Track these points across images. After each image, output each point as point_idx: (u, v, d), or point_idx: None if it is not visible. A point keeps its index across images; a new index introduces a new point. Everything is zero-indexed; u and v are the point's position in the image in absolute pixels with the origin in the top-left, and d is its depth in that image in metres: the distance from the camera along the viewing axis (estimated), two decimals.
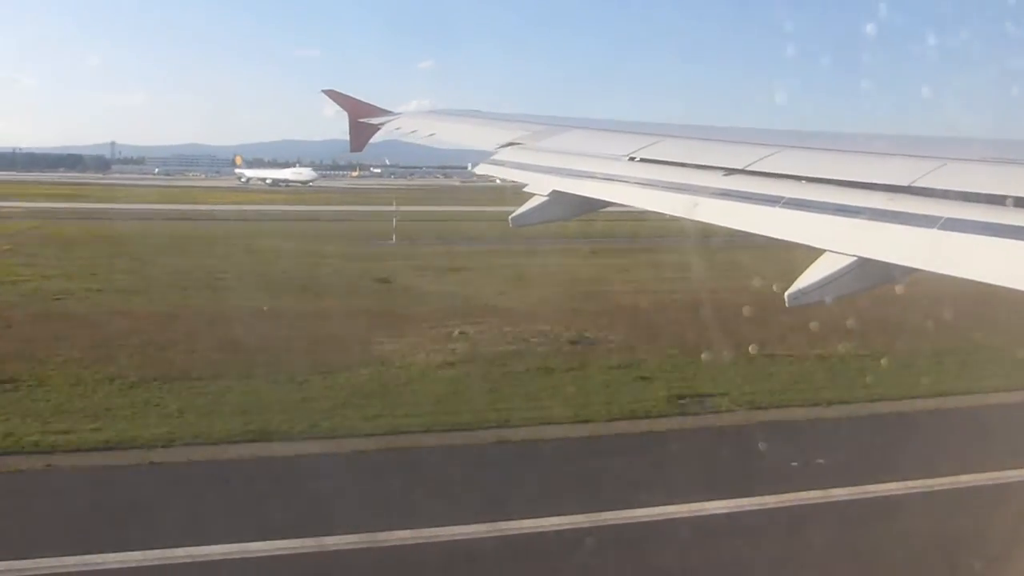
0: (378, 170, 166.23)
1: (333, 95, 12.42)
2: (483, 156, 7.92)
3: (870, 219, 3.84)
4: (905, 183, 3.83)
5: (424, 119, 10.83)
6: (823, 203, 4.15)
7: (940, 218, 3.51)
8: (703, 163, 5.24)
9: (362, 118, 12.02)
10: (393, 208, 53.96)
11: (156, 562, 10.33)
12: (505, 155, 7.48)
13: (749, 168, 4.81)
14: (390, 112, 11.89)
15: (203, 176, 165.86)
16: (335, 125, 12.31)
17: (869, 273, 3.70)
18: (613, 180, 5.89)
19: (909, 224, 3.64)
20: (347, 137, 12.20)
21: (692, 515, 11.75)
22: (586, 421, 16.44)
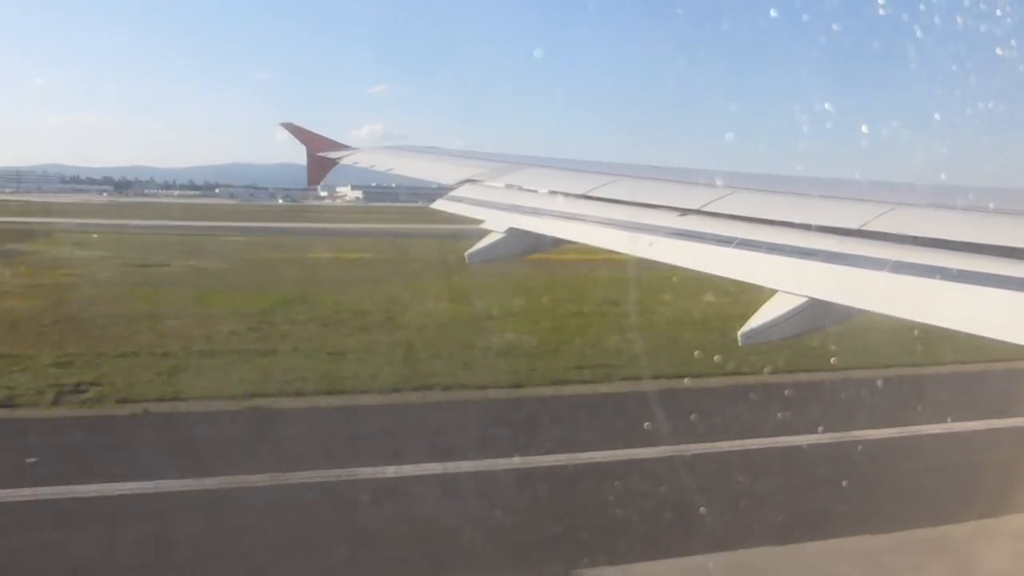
0: (358, 193, 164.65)
1: (292, 128, 12.39)
2: (440, 190, 7.93)
3: (822, 261, 3.88)
4: (856, 226, 3.89)
5: (382, 155, 10.82)
6: (776, 244, 4.19)
7: (889, 261, 3.56)
8: (658, 203, 5.28)
9: (320, 152, 11.99)
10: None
11: None
12: (463, 191, 7.49)
13: (703, 209, 4.86)
14: (348, 147, 11.87)
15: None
16: (286, 150, 12.34)
17: (820, 314, 3.73)
18: (570, 218, 5.91)
19: (860, 266, 3.69)
20: (300, 161, 12.22)
21: None
22: None
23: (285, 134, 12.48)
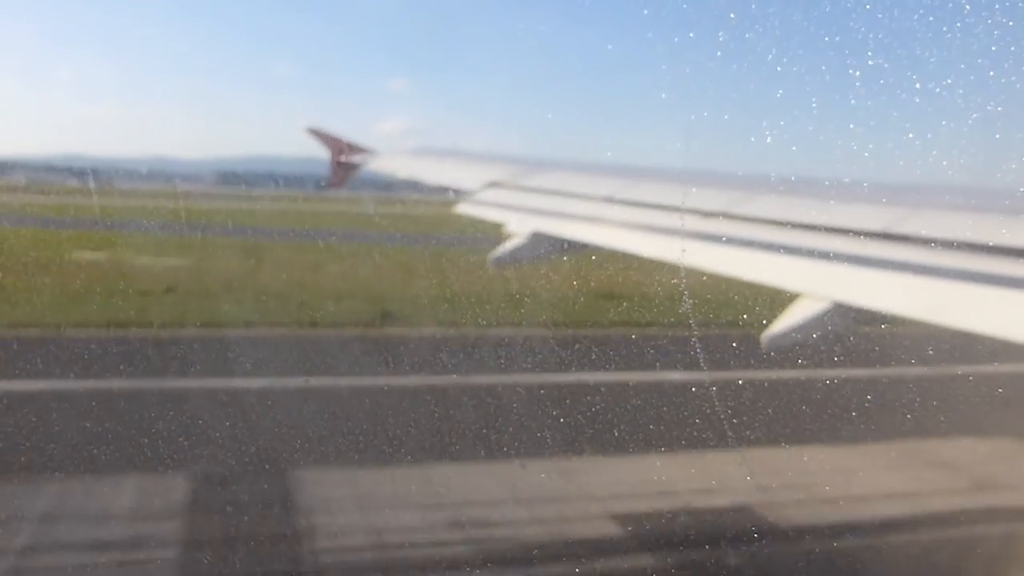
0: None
1: (317, 133, 12.51)
2: (464, 194, 7.99)
3: (847, 264, 3.90)
4: (880, 229, 3.91)
5: (405, 159, 10.91)
6: (800, 247, 4.22)
7: (914, 264, 3.58)
8: (682, 206, 5.31)
9: (343, 156, 12.10)
10: None
11: None
12: (487, 195, 7.55)
13: (727, 212, 4.89)
14: (371, 151, 11.96)
15: None
16: (309, 141, 12.43)
17: (845, 317, 3.76)
18: (593, 221, 5.96)
19: (884, 269, 3.71)
20: (321, 155, 12.32)
21: None
22: None
23: (303, 126, 12.61)
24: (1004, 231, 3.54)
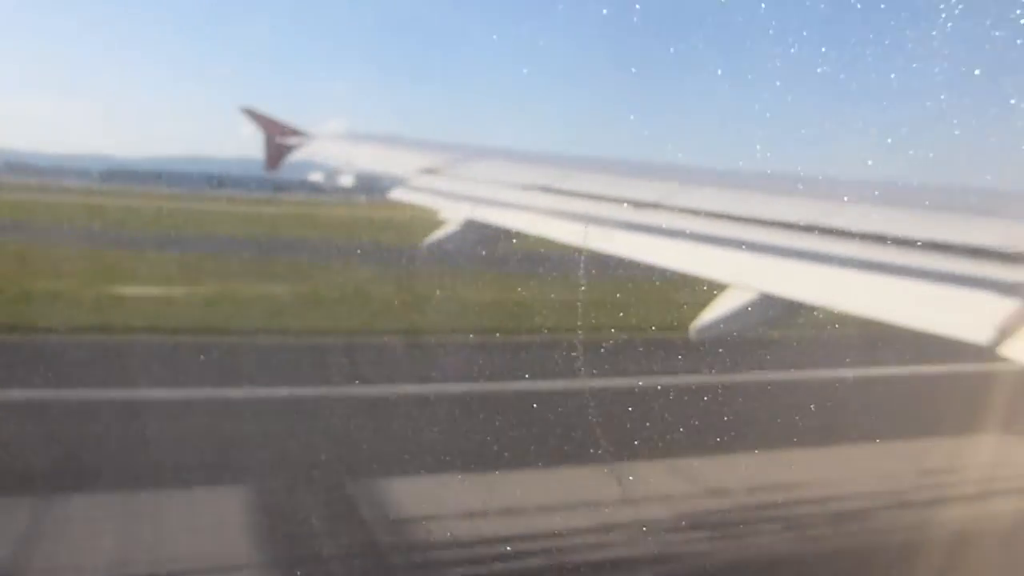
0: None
1: (251, 114, 12.20)
2: (399, 180, 7.85)
3: (775, 256, 3.89)
4: (805, 222, 3.91)
5: (340, 143, 10.69)
6: (729, 239, 4.20)
7: (837, 256, 3.58)
8: (614, 196, 5.27)
9: (278, 138, 11.82)
10: None
11: None
12: (420, 181, 7.42)
13: (658, 203, 4.85)
14: (306, 133, 11.72)
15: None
16: (249, 142, 12.07)
17: (771, 308, 3.74)
18: (526, 209, 5.88)
19: (811, 261, 3.70)
20: (258, 156, 12.02)
21: None
22: None
23: (247, 128, 12.27)
24: (932, 226, 3.56)
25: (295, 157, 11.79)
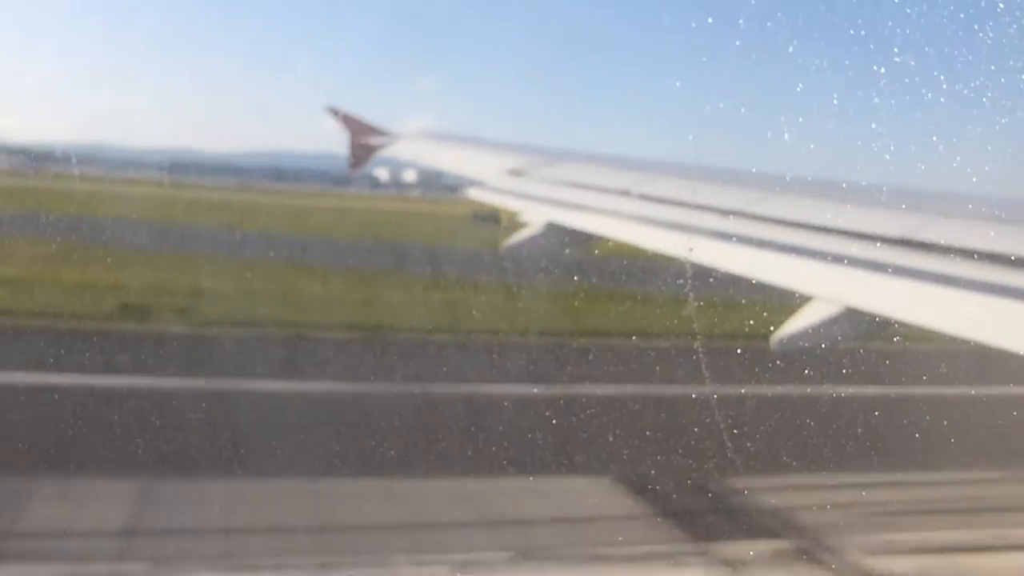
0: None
1: (338, 114, 12.48)
2: (482, 180, 7.94)
3: (861, 269, 3.82)
4: (897, 235, 3.83)
5: (423, 143, 10.87)
6: (815, 250, 4.14)
7: (930, 272, 3.50)
8: (699, 203, 5.24)
9: (363, 138, 12.07)
10: None
11: None
12: (504, 183, 7.50)
13: (744, 211, 4.82)
14: (391, 134, 11.94)
15: None
16: (331, 139, 12.30)
17: (855, 323, 3.69)
18: (609, 214, 5.89)
19: (898, 276, 3.63)
20: (341, 151, 12.26)
21: None
22: None
23: (328, 123, 12.56)
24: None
25: (379, 156, 12.02)
